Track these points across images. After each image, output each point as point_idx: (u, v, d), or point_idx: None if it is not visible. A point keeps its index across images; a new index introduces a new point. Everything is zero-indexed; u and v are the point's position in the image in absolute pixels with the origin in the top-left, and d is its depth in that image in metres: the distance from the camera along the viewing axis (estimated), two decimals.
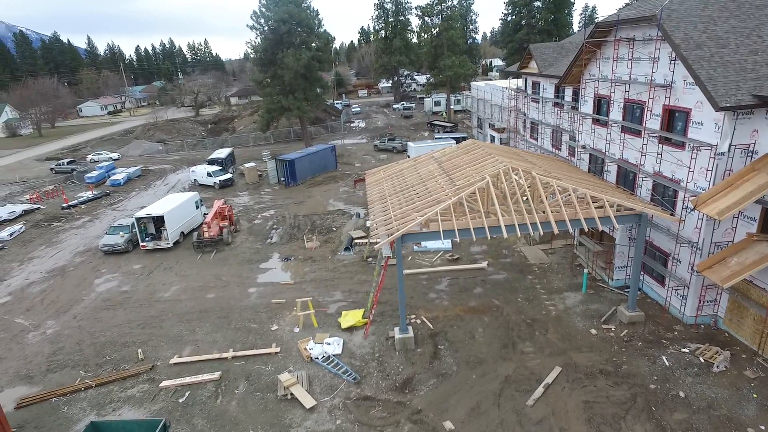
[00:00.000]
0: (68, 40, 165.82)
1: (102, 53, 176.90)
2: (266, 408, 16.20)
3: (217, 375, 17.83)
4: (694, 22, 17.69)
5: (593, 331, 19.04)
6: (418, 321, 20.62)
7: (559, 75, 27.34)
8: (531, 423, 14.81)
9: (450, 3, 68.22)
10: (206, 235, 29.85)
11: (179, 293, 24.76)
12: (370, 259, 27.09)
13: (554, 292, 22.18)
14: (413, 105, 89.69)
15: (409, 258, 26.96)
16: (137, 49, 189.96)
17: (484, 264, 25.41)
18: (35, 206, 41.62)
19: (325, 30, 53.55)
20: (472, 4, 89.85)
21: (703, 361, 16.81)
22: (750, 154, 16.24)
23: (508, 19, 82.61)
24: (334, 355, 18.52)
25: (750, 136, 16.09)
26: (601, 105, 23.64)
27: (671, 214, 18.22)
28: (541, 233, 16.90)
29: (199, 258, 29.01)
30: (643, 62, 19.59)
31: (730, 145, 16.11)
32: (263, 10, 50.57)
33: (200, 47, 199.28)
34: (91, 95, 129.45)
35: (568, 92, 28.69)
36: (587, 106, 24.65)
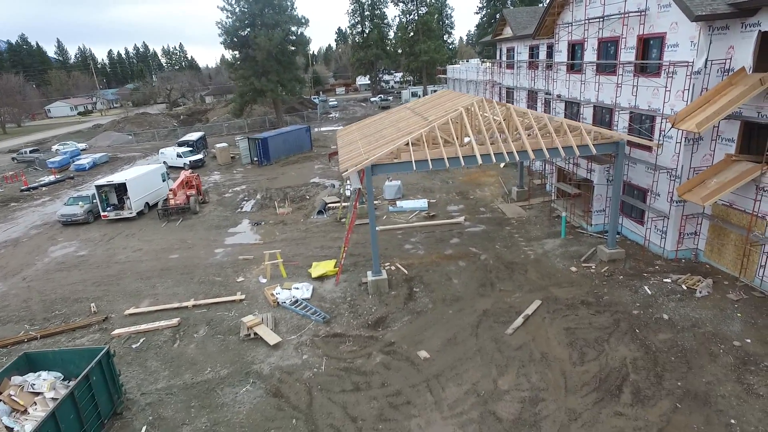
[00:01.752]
0: (36, 43, 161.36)
1: (73, 57, 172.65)
2: (227, 348, 14.99)
3: (175, 321, 16.54)
4: None
5: (573, 269, 18.34)
6: (393, 268, 19.65)
7: (529, 34, 26.95)
8: (510, 349, 13.94)
9: None
10: (172, 202, 28.42)
11: (140, 255, 23.31)
12: (343, 220, 26.07)
13: (533, 240, 21.47)
14: (390, 98, 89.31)
15: (384, 217, 26.01)
16: (110, 53, 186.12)
17: (461, 219, 24.63)
18: None
19: (297, 13, 52.59)
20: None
21: (685, 288, 16.22)
22: (726, 71, 15.81)
23: (483, 13, 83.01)
24: (303, 299, 17.41)
25: (726, 52, 15.67)
26: (575, 51, 23.21)
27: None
28: (517, 160, 16.14)
29: (164, 225, 27.57)
30: None
31: (706, 61, 15.66)
32: None
33: (175, 51, 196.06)
34: (61, 96, 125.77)
35: (543, 51, 28.31)
36: (561, 55, 24.21)
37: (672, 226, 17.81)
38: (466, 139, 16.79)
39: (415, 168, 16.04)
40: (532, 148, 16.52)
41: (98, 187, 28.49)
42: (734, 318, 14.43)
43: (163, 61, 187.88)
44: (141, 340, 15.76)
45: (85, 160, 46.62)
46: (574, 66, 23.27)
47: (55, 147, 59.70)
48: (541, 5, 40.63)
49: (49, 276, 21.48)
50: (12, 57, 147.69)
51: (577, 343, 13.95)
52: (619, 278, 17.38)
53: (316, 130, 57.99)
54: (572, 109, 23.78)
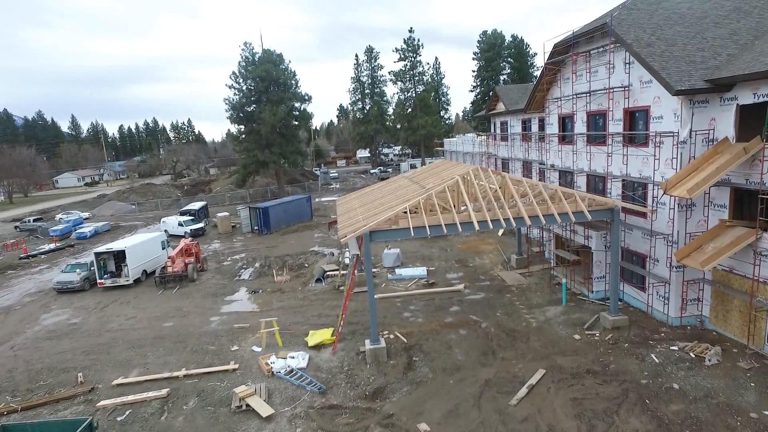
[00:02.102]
0: (51, 119, 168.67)
1: (85, 131, 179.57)
2: (217, 421, 14.25)
3: (164, 392, 15.85)
4: (643, 27, 18.68)
5: (576, 337, 17.89)
6: (392, 336, 19.16)
7: (521, 109, 28.32)
8: (515, 421, 13.26)
9: (420, 69, 72.34)
10: (170, 269, 28.28)
11: (134, 323, 22.82)
12: (342, 288, 25.80)
13: (534, 307, 21.13)
14: (390, 170, 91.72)
15: (383, 285, 25.75)
16: (120, 127, 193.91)
17: (460, 286, 24.39)
18: None
19: (301, 90, 55.55)
20: (443, 78, 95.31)
21: (694, 356, 15.73)
22: (710, 141, 16.43)
23: (477, 91, 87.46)
24: (298, 369, 16.80)
25: (708, 123, 16.38)
26: (565, 123, 24.25)
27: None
28: (514, 226, 16.33)
29: (161, 293, 27.22)
30: (600, 73, 20.38)
31: (690, 131, 16.34)
32: (242, 70, 52.56)
33: (183, 126, 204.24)
34: (70, 168, 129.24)
35: (535, 123, 29.56)
36: (553, 128, 25.26)
37: (674, 291, 17.61)
38: (463, 207, 17.08)
39: (413, 234, 16.16)
40: (529, 215, 16.75)
41: (97, 255, 28.50)
42: (748, 388, 13.86)
43: (171, 135, 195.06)
44: (127, 413, 15.01)
45: (86, 229, 46.98)
46: (565, 137, 24.19)
47: (58, 216, 60.33)
48: (532, 82, 43.05)
49: (38, 345, 20.88)
50: (27, 131, 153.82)
51: (585, 414, 13.29)
52: (624, 346, 16.90)
53: (317, 200, 58.99)
54: (566, 178, 24.39)
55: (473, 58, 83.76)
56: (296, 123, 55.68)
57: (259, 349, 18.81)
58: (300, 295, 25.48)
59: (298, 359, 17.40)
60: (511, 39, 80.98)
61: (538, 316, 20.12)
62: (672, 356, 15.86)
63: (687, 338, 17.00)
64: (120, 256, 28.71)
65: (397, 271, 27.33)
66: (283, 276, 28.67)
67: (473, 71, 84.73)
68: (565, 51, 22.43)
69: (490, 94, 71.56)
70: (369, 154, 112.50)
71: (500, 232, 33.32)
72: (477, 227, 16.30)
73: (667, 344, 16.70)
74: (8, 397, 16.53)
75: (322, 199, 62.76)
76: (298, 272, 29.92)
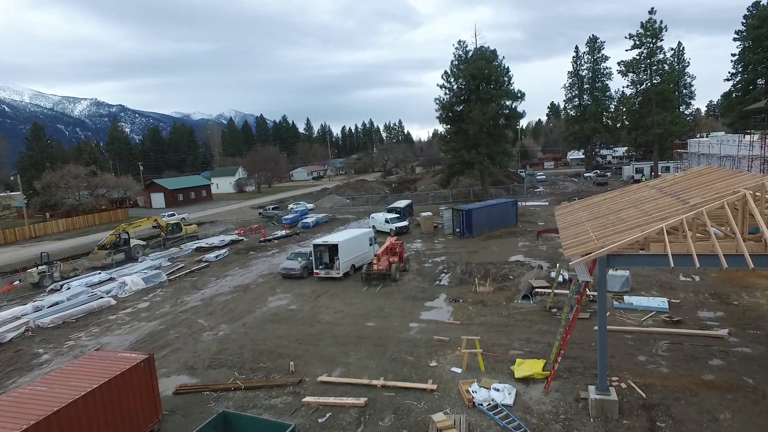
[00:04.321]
0: (292, 122, 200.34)
1: (315, 132, 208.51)
2: None
3: (362, 401, 15.30)
4: None
5: None
6: (623, 385, 15.19)
7: None
8: None
9: (661, 56, 61.09)
10: (375, 267, 28.85)
11: (340, 318, 23.61)
12: (554, 310, 22.33)
13: None
14: (608, 173, 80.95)
15: (608, 314, 21.28)
16: (343, 128, 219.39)
17: (723, 332, 18.48)
18: (240, 238, 47.29)
19: (514, 87, 52.27)
20: (687, 66, 79.38)
21: None
22: None
23: (738, 79, 69.92)
24: (503, 405, 14.42)
25: None
26: None
27: None
28: None
29: (365, 290, 27.93)
30: None
31: None
32: (454, 69, 51.98)
33: (395, 127, 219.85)
34: (302, 163, 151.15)
35: None
36: None
37: None
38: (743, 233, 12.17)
39: (672, 264, 12.09)
40: None
41: (315, 246, 30.86)
42: None
43: (384, 135, 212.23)
44: (327, 415, 14.86)
45: (310, 219, 52.79)
46: None
47: (290, 206, 69.99)
48: None
49: (263, 326, 23.12)
50: (275, 133, 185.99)
51: None
52: None
53: (521, 204, 54.95)
54: None
55: (734, 38, 67.34)
56: (505, 122, 52.67)
57: (459, 371, 17.03)
58: (504, 312, 22.94)
59: (504, 393, 14.99)
60: None
61: None
62: None
63: None
64: (333, 250, 30.53)
65: (627, 298, 22.47)
66: (486, 287, 26.47)
67: (732, 55, 68.29)
68: None
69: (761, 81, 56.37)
70: (582, 156, 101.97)
71: None
72: None
73: None
74: (236, 372, 18.27)
75: (527, 204, 58.34)
76: (501, 284, 27.36)
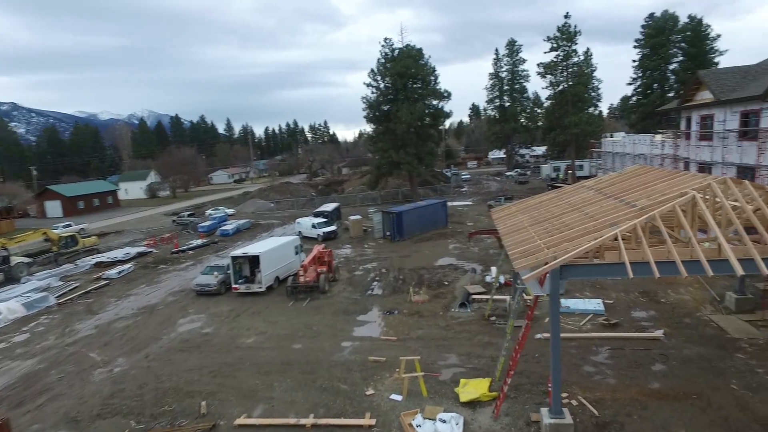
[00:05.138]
0: (211, 122, 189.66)
1: (237, 133, 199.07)
2: None
3: None
4: None
5: None
6: (574, 402, 14.13)
7: (754, 95, 20.84)
8: None
9: (575, 59, 63.86)
10: (301, 279, 26.35)
11: (263, 341, 20.92)
12: (492, 318, 21.27)
13: None
14: (528, 172, 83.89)
15: (546, 320, 20.57)
16: (266, 129, 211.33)
17: (658, 333, 18.25)
18: (149, 250, 42.42)
19: (440, 87, 51.82)
20: (595, 71, 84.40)
21: None
22: None
23: (638, 84, 75.04)
24: None
25: None
26: None
27: None
28: None
29: (291, 305, 25.36)
30: None
31: None
32: (381, 68, 50.50)
33: (320, 127, 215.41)
34: (222, 166, 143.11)
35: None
36: None
37: None
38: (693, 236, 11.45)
39: (631, 275, 11.02)
40: None
41: (233, 258, 27.73)
42: None
43: (309, 136, 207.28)
44: None
45: (229, 226, 48.80)
46: None
47: (208, 212, 64.88)
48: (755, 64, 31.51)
49: (171, 357, 19.85)
50: (192, 133, 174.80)
51: None
52: None
53: (449, 204, 54.78)
54: None
55: (635, 46, 72.23)
56: (432, 122, 52.11)
57: (399, 398, 15.17)
58: (442, 323, 21.51)
59: (451, 424, 13.33)
60: (687, 20, 67.90)
61: None
62: None
63: None
64: (254, 261, 27.63)
65: (563, 301, 21.85)
66: (421, 295, 25.00)
67: (633, 61, 73.18)
68: None
69: (691, 82, 60.29)
70: (503, 155, 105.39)
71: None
72: (740, 270, 10.59)
73: None
74: (133, 422, 15.09)
75: (455, 203, 58.30)
76: (437, 291, 26.03)
